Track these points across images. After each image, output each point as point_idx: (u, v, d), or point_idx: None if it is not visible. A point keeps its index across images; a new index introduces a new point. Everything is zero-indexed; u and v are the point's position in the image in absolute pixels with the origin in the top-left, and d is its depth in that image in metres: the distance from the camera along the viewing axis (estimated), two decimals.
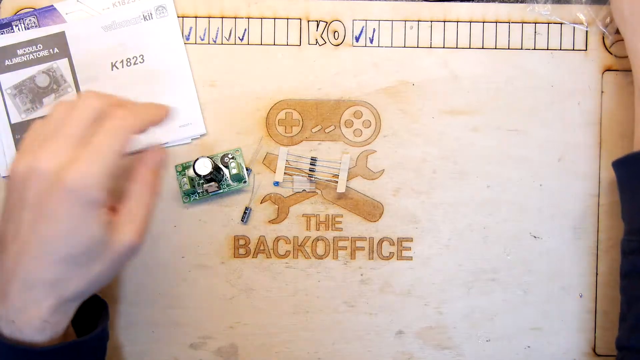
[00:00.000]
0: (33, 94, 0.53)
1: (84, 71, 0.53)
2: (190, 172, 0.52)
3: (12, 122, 0.53)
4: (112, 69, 0.53)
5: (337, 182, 0.53)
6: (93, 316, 0.47)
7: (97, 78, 0.53)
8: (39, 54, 0.53)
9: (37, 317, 0.41)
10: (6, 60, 0.52)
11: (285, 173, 0.53)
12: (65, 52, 0.53)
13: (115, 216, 0.42)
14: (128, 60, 0.53)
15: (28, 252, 0.40)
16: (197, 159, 0.50)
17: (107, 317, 0.47)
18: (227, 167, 0.52)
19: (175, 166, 0.53)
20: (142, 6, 0.53)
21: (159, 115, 0.44)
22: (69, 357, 0.43)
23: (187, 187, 0.52)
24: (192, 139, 0.53)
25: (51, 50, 0.53)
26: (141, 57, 0.53)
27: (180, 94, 0.53)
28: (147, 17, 0.53)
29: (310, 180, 0.53)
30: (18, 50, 0.52)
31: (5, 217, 0.42)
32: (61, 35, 0.53)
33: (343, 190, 0.53)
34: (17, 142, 0.53)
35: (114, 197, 0.42)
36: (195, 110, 0.53)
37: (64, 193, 0.39)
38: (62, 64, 0.53)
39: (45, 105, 0.53)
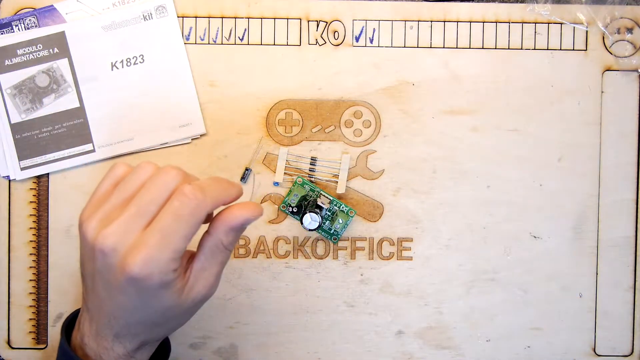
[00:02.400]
0: (33, 94, 0.53)
1: (83, 71, 0.53)
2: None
3: (12, 122, 0.53)
4: (112, 69, 0.53)
5: (337, 182, 0.53)
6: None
7: (97, 78, 0.53)
8: (38, 54, 0.53)
9: (124, 355, 0.42)
10: (6, 60, 0.52)
11: (285, 173, 0.53)
12: (65, 52, 0.53)
13: (188, 274, 0.41)
14: (128, 60, 0.53)
15: (107, 310, 0.41)
16: (305, 213, 0.51)
17: (169, 352, 0.48)
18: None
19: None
20: (142, 6, 0.53)
21: (230, 195, 0.41)
22: None
23: (294, 202, 0.53)
24: (192, 139, 0.53)
25: (51, 50, 0.53)
26: (141, 57, 0.53)
27: (180, 93, 0.53)
28: (147, 17, 0.53)
29: (311, 181, 0.53)
30: (18, 50, 0.52)
31: (82, 259, 0.42)
32: (61, 35, 0.53)
33: (343, 191, 0.53)
34: (16, 142, 0.53)
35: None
36: (195, 110, 0.53)
37: (130, 279, 0.38)
38: (62, 64, 0.53)
39: (45, 105, 0.53)
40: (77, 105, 0.53)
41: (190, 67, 0.53)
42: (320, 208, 0.52)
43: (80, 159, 0.53)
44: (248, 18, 0.54)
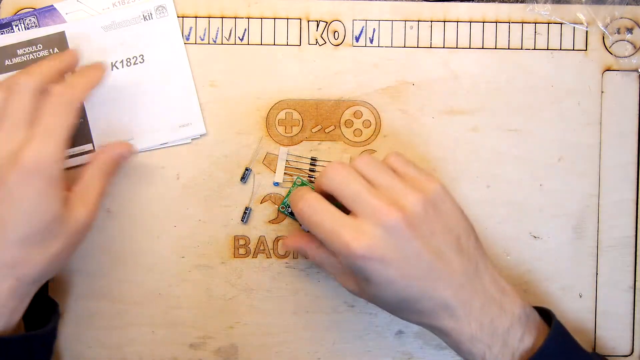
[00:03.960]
0: None
1: None
2: None
3: None
4: (112, 69, 0.53)
5: None
6: (43, 317, 0.47)
7: None
8: (39, 54, 0.52)
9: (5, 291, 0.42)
10: (6, 60, 0.52)
11: (285, 173, 0.53)
12: None
13: (70, 194, 0.45)
14: (128, 60, 0.53)
15: None
16: None
17: (58, 315, 0.47)
18: None
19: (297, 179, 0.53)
20: (142, 6, 0.53)
21: (95, 77, 0.47)
22: (20, 350, 0.43)
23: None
24: (192, 139, 0.53)
25: (51, 50, 0.53)
26: (141, 57, 0.53)
27: (180, 93, 0.53)
28: (147, 17, 0.52)
29: (311, 181, 0.53)
30: (18, 50, 0.52)
31: None
32: (61, 35, 0.52)
33: None
34: None
35: (68, 180, 0.45)
36: (195, 110, 0.53)
37: (24, 172, 0.40)
38: None
39: None
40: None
41: (190, 67, 0.53)
42: None
43: (80, 159, 0.53)
44: (248, 18, 0.54)
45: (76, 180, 0.46)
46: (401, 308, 0.45)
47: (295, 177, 0.53)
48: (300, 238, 0.49)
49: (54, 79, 0.45)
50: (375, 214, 0.42)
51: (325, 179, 0.45)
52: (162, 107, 0.53)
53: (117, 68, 0.53)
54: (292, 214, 0.53)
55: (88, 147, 0.53)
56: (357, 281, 0.45)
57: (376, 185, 0.44)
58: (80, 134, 0.53)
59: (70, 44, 0.53)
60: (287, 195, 0.53)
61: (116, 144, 0.49)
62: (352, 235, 0.42)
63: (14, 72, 0.47)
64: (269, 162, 0.54)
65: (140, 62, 0.53)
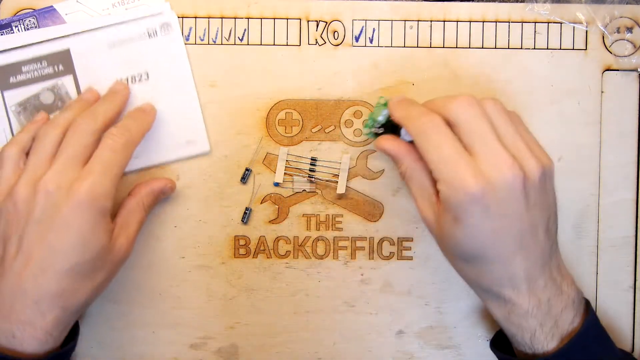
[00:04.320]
0: (38, 111, 0.52)
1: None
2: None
3: None
4: None
5: (337, 182, 0.53)
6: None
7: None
8: (43, 71, 0.52)
9: (42, 330, 0.43)
10: (11, 77, 0.52)
11: (285, 173, 0.53)
12: (70, 70, 0.52)
13: (114, 225, 0.47)
14: (133, 77, 0.53)
15: (34, 265, 0.42)
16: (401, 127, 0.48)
17: (79, 333, 0.48)
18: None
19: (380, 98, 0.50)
20: (147, 23, 0.53)
21: (148, 121, 0.50)
22: None
23: (382, 120, 0.50)
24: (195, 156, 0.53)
25: (56, 67, 0.52)
26: (146, 74, 0.53)
27: (184, 111, 0.53)
28: (152, 35, 0.52)
29: (310, 181, 0.53)
30: (23, 67, 0.52)
31: (1, 238, 0.44)
32: (66, 53, 0.52)
33: (343, 191, 0.53)
34: None
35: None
36: (200, 128, 0.53)
37: (76, 204, 0.42)
38: (67, 81, 0.53)
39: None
40: None
41: (195, 86, 0.53)
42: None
43: None
44: (248, 18, 0.54)
45: (118, 212, 0.49)
46: (469, 262, 0.44)
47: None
48: (399, 143, 0.47)
49: (111, 121, 0.48)
50: (498, 163, 0.41)
51: (457, 107, 0.42)
52: (166, 125, 0.53)
53: None
54: (376, 135, 0.50)
55: None
56: (442, 215, 0.43)
57: (500, 134, 0.42)
58: None
59: (76, 62, 0.52)
60: (373, 113, 0.50)
61: (158, 179, 0.51)
62: (470, 172, 0.41)
63: (65, 110, 0.49)
64: (269, 162, 0.54)
65: (145, 79, 0.53)
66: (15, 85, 0.52)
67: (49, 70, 0.52)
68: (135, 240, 0.49)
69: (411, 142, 0.47)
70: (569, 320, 0.44)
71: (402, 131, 0.48)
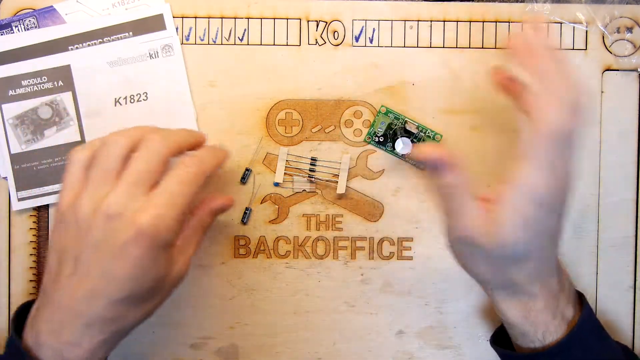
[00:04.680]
0: (35, 125, 0.53)
1: (87, 105, 0.53)
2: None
3: (12, 152, 0.53)
4: (115, 105, 0.53)
5: (337, 182, 0.53)
6: None
7: (99, 113, 0.53)
8: (43, 86, 0.53)
9: (88, 351, 0.42)
10: (10, 91, 0.52)
11: (285, 173, 0.53)
12: (69, 86, 0.53)
13: (173, 250, 0.44)
14: (132, 97, 0.53)
15: (88, 289, 0.41)
16: (396, 138, 0.51)
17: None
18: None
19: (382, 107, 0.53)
20: (148, 44, 0.53)
21: (221, 158, 0.47)
22: None
23: (381, 131, 0.52)
24: None
25: (55, 82, 0.53)
26: (145, 94, 0.53)
27: None
28: (153, 55, 0.52)
29: (310, 181, 0.53)
30: (22, 81, 0.52)
31: (58, 249, 0.43)
32: (66, 69, 0.52)
33: (343, 191, 0.53)
34: (16, 172, 0.53)
35: None
36: None
37: (137, 237, 0.40)
38: (65, 97, 0.53)
39: (46, 137, 0.53)
40: (79, 139, 0.53)
41: (194, 108, 0.53)
42: (410, 133, 0.52)
43: None
44: (248, 18, 0.54)
45: (178, 234, 0.45)
46: (509, 261, 0.43)
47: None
48: (446, 150, 0.43)
49: (181, 150, 0.45)
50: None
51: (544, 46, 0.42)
52: None
53: (121, 104, 0.53)
54: (379, 143, 0.53)
55: None
56: (503, 224, 0.42)
57: None
58: None
59: (76, 78, 0.52)
60: (373, 125, 0.53)
61: (217, 198, 0.49)
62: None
63: (138, 126, 0.45)
64: (269, 162, 0.54)
65: (144, 99, 0.53)
66: (13, 98, 0.52)
67: (49, 85, 0.53)
68: (190, 264, 0.46)
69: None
70: (571, 314, 0.45)
71: (398, 143, 0.50)
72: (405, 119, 0.53)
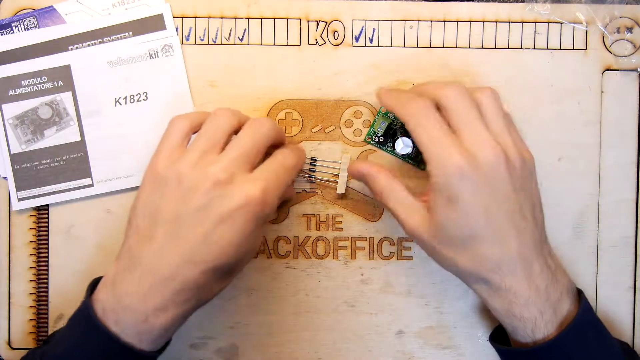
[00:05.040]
0: (35, 125, 0.53)
1: (87, 105, 0.53)
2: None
3: (12, 152, 0.53)
4: (115, 105, 0.53)
5: (337, 182, 0.53)
6: None
7: (99, 113, 0.53)
8: (42, 86, 0.52)
9: (173, 319, 0.42)
10: (10, 91, 0.52)
11: None
12: (69, 86, 0.53)
13: None
14: (132, 97, 0.53)
15: (185, 253, 0.41)
16: (396, 139, 0.51)
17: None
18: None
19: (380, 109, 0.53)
20: (148, 44, 0.53)
21: (304, 159, 0.51)
22: None
23: (381, 131, 0.53)
24: None
25: (55, 82, 0.53)
26: (145, 94, 0.53)
27: None
28: (153, 55, 0.52)
29: (310, 181, 0.53)
30: (22, 81, 0.52)
31: (151, 210, 0.43)
32: (66, 69, 0.52)
33: (343, 191, 0.53)
34: (15, 172, 0.53)
35: None
36: None
37: (248, 204, 0.41)
38: (65, 97, 0.53)
39: (46, 137, 0.53)
40: (78, 139, 0.53)
41: (194, 108, 0.53)
42: (409, 134, 0.52)
43: (78, 193, 0.53)
44: (248, 18, 0.53)
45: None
46: (466, 246, 0.44)
47: (379, 107, 0.53)
48: (371, 163, 0.49)
49: (276, 142, 0.48)
50: (482, 143, 0.43)
51: (449, 92, 0.45)
52: None
53: (120, 104, 0.53)
54: (378, 143, 0.53)
55: (87, 181, 0.53)
56: (434, 206, 0.44)
57: (488, 122, 0.45)
58: (79, 168, 0.53)
59: (76, 78, 0.52)
60: (372, 125, 0.53)
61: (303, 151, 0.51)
62: (457, 149, 0.42)
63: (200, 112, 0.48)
64: None
65: (143, 99, 0.53)
66: (13, 98, 0.52)
67: (49, 85, 0.53)
68: (274, 194, 0.45)
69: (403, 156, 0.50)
70: (566, 309, 0.45)
71: (398, 142, 0.50)
72: None
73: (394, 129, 0.53)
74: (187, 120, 0.46)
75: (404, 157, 0.53)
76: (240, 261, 0.44)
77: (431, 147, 0.43)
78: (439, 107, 0.45)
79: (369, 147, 0.54)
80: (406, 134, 0.52)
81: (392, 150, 0.53)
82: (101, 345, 0.41)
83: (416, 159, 0.53)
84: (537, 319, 0.44)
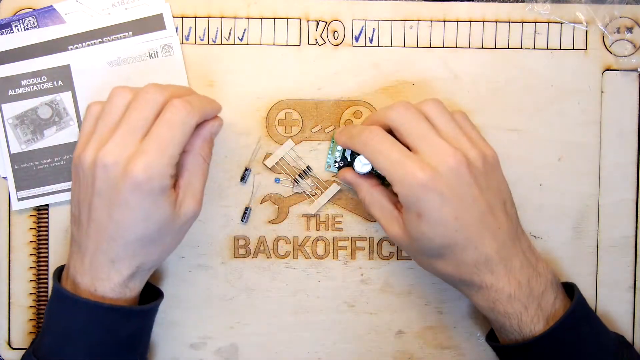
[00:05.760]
0: (34, 125, 0.53)
1: (86, 105, 0.52)
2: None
3: (12, 152, 0.53)
4: None
5: (316, 197, 0.53)
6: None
7: None
8: (42, 86, 0.52)
9: (119, 284, 0.45)
10: (10, 90, 0.52)
11: (277, 164, 0.53)
12: (69, 86, 0.52)
13: (178, 191, 0.46)
14: None
15: (106, 233, 0.44)
16: (353, 159, 0.51)
17: (162, 295, 0.51)
18: None
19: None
20: (148, 44, 0.53)
21: (214, 108, 0.48)
22: (148, 318, 0.49)
23: (338, 156, 0.53)
24: None
25: (55, 82, 0.52)
26: None
27: None
28: (153, 55, 0.52)
29: (295, 181, 0.53)
30: (22, 81, 0.52)
31: (77, 199, 0.46)
32: (66, 69, 0.52)
33: (313, 212, 0.53)
34: (15, 172, 0.53)
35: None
36: None
37: (134, 185, 0.42)
38: (65, 97, 0.53)
39: (45, 137, 0.53)
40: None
41: None
42: None
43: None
44: (247, 18, 0.53)
45: (180, 173, 0.46)
46: (443, 255, 0.45)
47: (332, 133, 0.53)
48: (355, 174, 0.50)
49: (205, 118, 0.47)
50: (440, 153, 0.44)
51: (394, 113, 0.46)
52: None
53: None
54: (340, 169, 0.53)
55: None
56: (407, 218, 0.45)
57: (440, 130, 0.46)
58: None
59: (75, 78, 0.52)
60: (329, 155, 0.53)
61: (205, 123, 0.48)
62: (418, 166, 0.43)
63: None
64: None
65: None
66: (13, 98, 0.52)
67: (48, 85, 0.53)
68: (203, 195, 0.47)
69: (367, 174, 0.50)
70: (550, 302, 0.45)
71: (355, 163, 0.50)
72: None
73: (351, 151, 0.53)
74: (99, 104, 0.47)
75: (366, 174, 0.53)
76: (160, 229, 0.45)
77: (392, 170, 0.44)
78: (390, 131, 0.46)
79: None
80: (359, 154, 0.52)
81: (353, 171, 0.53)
82: (86, 314, 0.45)
83: (379, 175, 0.53)
84: (522, 314, 0.45)
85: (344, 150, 0.53)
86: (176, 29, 0.53)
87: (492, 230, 0.44)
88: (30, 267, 0.53)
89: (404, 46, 0.54)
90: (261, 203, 0.54)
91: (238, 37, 0.54)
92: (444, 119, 0.46)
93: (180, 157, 0.45)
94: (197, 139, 0.47)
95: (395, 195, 0.45)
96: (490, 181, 0.45)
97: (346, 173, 0.51)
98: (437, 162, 0.43)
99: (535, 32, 0.54)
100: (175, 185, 0.46)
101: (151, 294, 0.50)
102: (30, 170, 0.53)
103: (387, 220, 0.48)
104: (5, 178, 0.53)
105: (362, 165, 0.50)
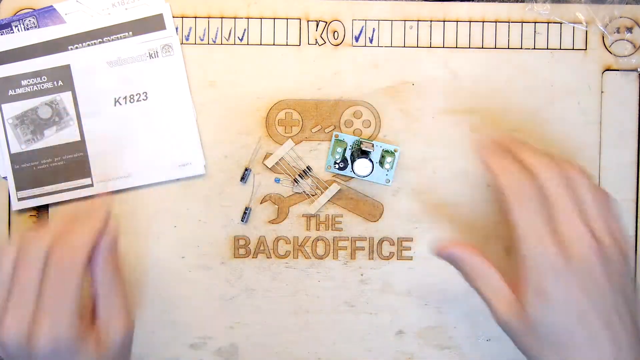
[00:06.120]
0: (34, 125, 0.53)
1: (86, 105, 0.53)
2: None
3: (12, 152, 0.53)
4: (115, 105, 0.53)
5: (316, 197, 0.53)
6: None
7: (99, 113, 0.53)
8: (42, 86, 0.52)
9: None
10: (10, 90, 0.52)
11: (276, 164, 0.53)
12: (69, 86, 0.52)
13: (98, 323, 0.43)
14: (131, 96, 0.53)
15: None
16: (354, 161, 0.51)
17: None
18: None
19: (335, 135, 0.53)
20: (148, 44, 0.53)
21: (98, 230, 0.43)
22: None
23: (339, 157, 0.53)
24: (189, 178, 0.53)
25: (55, 82, 0.52)
26: (144, 94, 0.53)
27: (181, 133, 0.53)
28: (153, 55, 0.52)
29: (295, 181, 0.53)
30: (22, 81, 0.52)
31: None
32: (66, 69, 0.52)
33: (313, 212, 0.53)
34: (15, 172, 0.53)
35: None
36: (196, 151, 0.53)
37: (45, 357, 0.40)
38: (65, 97, 0.53)
39: (46, 137, 0.53)
40: (78, 138, 0.53)
41: (193, 107, 0.53)
42: (367, 153, 0.52)
43: (78, 193, 0.53)
44: (247, 18, 0.54)
45: (95, 302, 0.43)
46: (558, 349, 0.41)
47: (335, 134, 0.53)
48: (462, 246, 0.45)
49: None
50: (580, 238, 0.41)
51: (549, 180, 0.43)
52: (162, 146, 0.53)
53: (120, 104, 0.53)
54: (340, 169, 0.53)
55: (87, 181, 0.53)
56: (527, 294, 0.42)
57: (583, 211, 0.43)
58: (79, 168, 0.53)
59: (75, 78, 0.52)
60: (330, 153, 0.53)
61: (101, 240, 0.43)
62: (552, 241, 0.41)
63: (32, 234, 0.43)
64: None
65: (143, 99, 0.53)
66: (13, 98, 0.52)
67: (48, 85, 0.53)
68: (132, 306, 0.45)
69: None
70: None
71: (356, 166, 0.50)
72: (360, 140, 0.53)
73: (351, 152, 0.53)
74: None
75: (364, 177, 0.53)
76: None
77: (528, 233, 0.42)
78: (538, 186, 0.43)
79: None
80: (363, 154, 0.52)
81: (353, 173, 0.53)
82: None
83: (380, 175, 0.53)
84: None
85: (344, 151, 0.53)
86: (176, 29, 0.53)
87: (615, 333, 0.41)
88: None
89: (404, 46, 0.54)
90: (261, 203, 0.54)
91: (238, 37, 0.54)
92: (588, 198, 0.43)
93: (88, 288, 0.43)
94: (95, 259, 0.43)
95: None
96: (623, 279, 0.42)
97: (451, 249, 0.46)
98: (573, 246, 0.41)
99: (535, 32, 0.54)
100: (92, 311, 0.43)
101: None
102: (30, 170, 0.53)
103: (499, 301, 0.43)
104: (5, 178, 0.53)
105: (362, 168, 0.50)
